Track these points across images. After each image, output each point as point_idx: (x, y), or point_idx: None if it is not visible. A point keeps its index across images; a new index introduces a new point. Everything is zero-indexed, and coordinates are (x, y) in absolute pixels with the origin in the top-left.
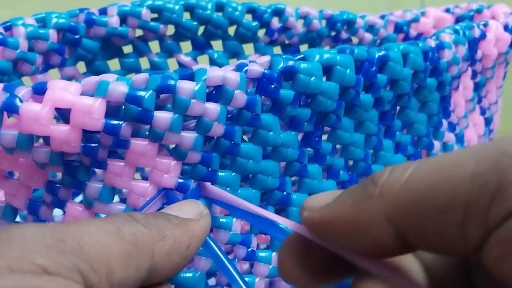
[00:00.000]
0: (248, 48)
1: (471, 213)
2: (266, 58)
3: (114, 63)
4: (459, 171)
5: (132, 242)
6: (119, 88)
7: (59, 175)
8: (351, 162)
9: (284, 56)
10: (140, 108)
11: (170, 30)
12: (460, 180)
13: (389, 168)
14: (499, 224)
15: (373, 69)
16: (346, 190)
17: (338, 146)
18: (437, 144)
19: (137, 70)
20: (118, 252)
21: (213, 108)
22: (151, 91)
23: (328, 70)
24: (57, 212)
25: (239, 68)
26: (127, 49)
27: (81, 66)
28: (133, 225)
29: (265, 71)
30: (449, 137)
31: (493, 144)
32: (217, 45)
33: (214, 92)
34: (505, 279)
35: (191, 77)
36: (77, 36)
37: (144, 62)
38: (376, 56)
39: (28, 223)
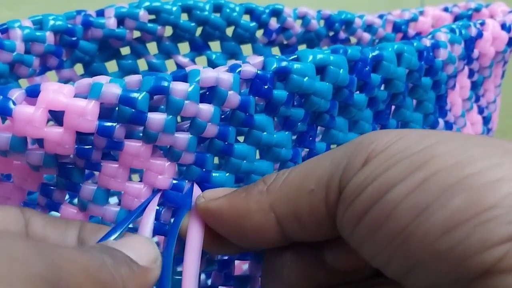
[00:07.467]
0: (246, 49)
1: (330, 186)
2: (260, 59)
3: (111, 65)
4: (322, 161)
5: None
6: (112, 90)
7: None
8: None
9: (277, 57)
10: (133, 110)
11: (168, 31)
12: (323, 166)
13: (277, 172)
14: (345, 188)
15: (366, 69)
16: (242, 186)
17: (333, 146)
18: None
19: (135, 71)
20: None
21: (206, 109)
22: (144, 92)
23: (321, 70)
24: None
25: (232, 69)
26: (125, 50)
27: (79, 68)
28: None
29: (258, 71)
30: None
31: (353, 140)
32: (215, 46)
33: (207, 93)
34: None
35: (184, 78)
36: (74, 38)
37: (142, 64)
38: (370, 56)
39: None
